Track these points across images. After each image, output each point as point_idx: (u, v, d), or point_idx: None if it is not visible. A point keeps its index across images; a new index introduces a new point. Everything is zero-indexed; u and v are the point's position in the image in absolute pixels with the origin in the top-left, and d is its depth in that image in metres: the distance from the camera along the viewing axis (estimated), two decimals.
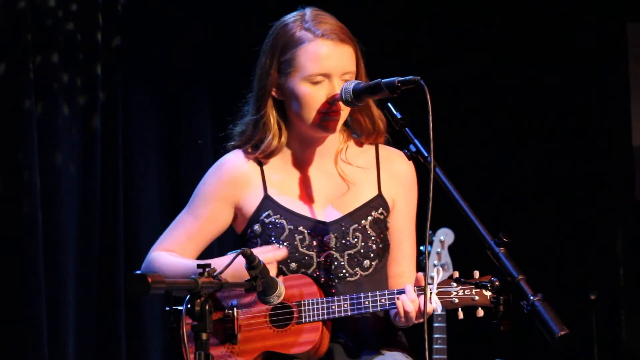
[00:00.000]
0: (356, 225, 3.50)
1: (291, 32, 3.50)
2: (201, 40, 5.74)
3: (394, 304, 3.32)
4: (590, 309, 6.42)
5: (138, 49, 5.51)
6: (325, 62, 3.45)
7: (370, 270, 3.51)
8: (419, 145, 3.19)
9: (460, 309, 3.26)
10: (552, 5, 6.54)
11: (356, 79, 3.48)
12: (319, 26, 3.48)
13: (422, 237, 3.55)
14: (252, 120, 3.56)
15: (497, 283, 3.05)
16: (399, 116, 3.25)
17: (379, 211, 3.54)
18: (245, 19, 5.74)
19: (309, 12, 3.52)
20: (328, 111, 3.45)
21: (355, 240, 3.49)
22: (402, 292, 3.33)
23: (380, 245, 3.52)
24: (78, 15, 5.27)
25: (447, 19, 6.52)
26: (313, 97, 3.45)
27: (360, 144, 3.60)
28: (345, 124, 3.59)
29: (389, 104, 3.28)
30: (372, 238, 3.51)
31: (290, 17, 3.53)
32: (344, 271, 3.48)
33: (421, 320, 3.28)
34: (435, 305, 3.27)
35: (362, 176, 3.57)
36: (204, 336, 2.91)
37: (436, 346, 5.19)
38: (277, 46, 3.51)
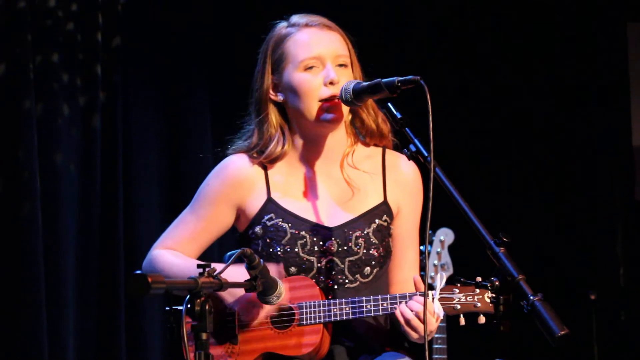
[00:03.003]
0: (359, 231, 3.50)
1: (279, 32, 3.55)
2: (201, 40, 5.74)
3: (395, 308, 3.32)
4: (590, 309, 6.42)
5: (138, 49, 5.51)
6: (315, 45, 3.47)
7: (371, 277, 3.50)
8: (419, 145, 3.19)
9: (462, 315, 3.25)
10: (552, 5, 6.54)
11: (352, 70, 3.49)
12: (303, 18, 3.54)
13: (422, 237, 3.55)
14: (254, 125, 3.56)
15: (497, 283, 3.05)
16: (398, 116, 3.25)
17: (383, 218, 3.53)
18: (246, 19, 5.74)
19: (293, 15, 3.58)
20: (328, 98, 3.44)
21: (358, 247, 3.49)
22: (403, 297, 3.32)
23: (382, 253, 3.51)
24: (78, 15, 5.27)
25: (447, 19, 6.52)
26: (310, 83, 3.44)
27: (366, 145, 3.60)
28: (353, 127, 3.58)
29: (389, 104, 3.28)
30: (375, 245, 3.50)
31: (278, 23, 3.59)
32: (344, 277, 3.48)
33: (432, 328, 3.30)
34: (438, 310, 3.27)
35: (367, 182, 3.55)
36: (204, 336, 2.91)
37: (436, 346, 5.19)
38: (268, 49, 3.55)
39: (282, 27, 3.55)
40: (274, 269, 3.37)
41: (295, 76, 3.48)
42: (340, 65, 3.48)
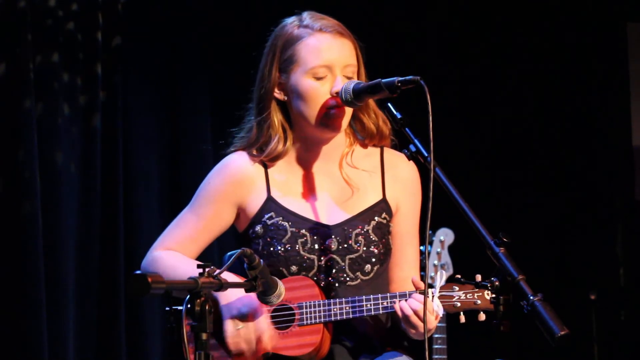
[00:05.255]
0: (359, 229, 3.50)
1: (290, 31, 3.51)
2: (201, 40, 5.74)
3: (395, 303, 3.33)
4: (590, 309, 6.42)
5: (138, 49, 5.51)
6: (326, 53, 3.45)
7: (371, 275, 3.50)
8: (419, 145, 3.19)
9: (462, 312, 3.26)
10: (552, 5, 6.54)
11: (357, 76, 3.49)
12: (317, 22, 3.50)
13: (422, 237, 3.55)
14: (255, 123, 3.55)
15: (497, 283, 3.05)
16: (398, 116, 3.25)
17: (382, 216, 3.53)
18: (246, 18, 5.74)
19: (305, 13, 3.55)
20: (332, 107, 3.44)
21: (358, 244, 3.49)
22: (403, 295, 3.32)
23: (382, 250, 3.51)
24: (78, 15, 5.27)
25: (447, 19, 6.52)
26: (317, 91, 3.44)
27: (365, 145, 3.60)
28: (351, 127, 3.58)
29: (389, 104, 3.28)
30: (375, 243, 3.50)
31: (288, 20, 3.56)
32: (345, 275, 3.48)
33: (431, 326, 3.29)
34: (437, 308, 3.27)
35: (366, 180, 3.56)
36: (204, 336, 2.91)
37: (436, 346, 5.19)
38: (277, 46, 3.52)
39: (293, 25, 3.52)
40: None
41: (303, 81, 3.46)
42: (351, 72, 3.47)
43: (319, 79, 3.44)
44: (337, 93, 3.42)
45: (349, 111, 3.47)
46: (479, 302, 3.25)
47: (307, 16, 3.53)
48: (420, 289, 3.29)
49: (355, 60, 3.50)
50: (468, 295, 3.26)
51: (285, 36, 3.51)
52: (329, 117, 3.44)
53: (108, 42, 5.37)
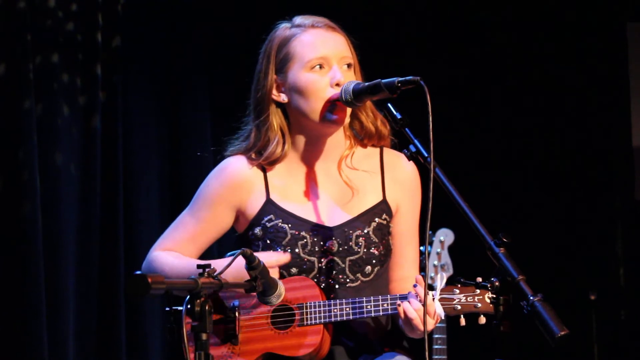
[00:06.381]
0: (360, 231, 3.50)
1: (283, 33, 3.53)
2: (201, 40, 5.74)
3: (396, 309, 3.32)
4: (590, 309, 6.42)
5: (138, 49, 5.51)
6: (321, 46, 3.46)
7: (372, 276, 3.50)
8: (419, 145, 3.19)
9: (462, 315, 3.25)
10: (552, 5, 6.54)
11: (353, 72, 3.49)
12: (308, 20, 3.53)
13: (422, 238, 3.55)
14: (254, 126, 3.55)
15: (497, 283, 3.05)
16: (398, 116, 3.25)
17: (383, 217, 3.53)
18: (246, 19, 5.74)
19: (296, 16, 3.58)
20: (333, 100, 3.43)
21: (358, 246, 3.48)
22: (404, 297, 3.32)
23: (383, 252, 3.51)
24: (78, 15, 5.28)
25: (447, 18, 6.52)
26: (316, 84, 3.43)
27: (364, 146, 3.59)
28: (351, 128, 3.57)
29: (389, 104, 3.27)
30: (375, 244, 3.50)
31: (280, 25, 3.58)
32: (345, 277, 3.48)
33: (429, 328, 3.29)
34: (439, 311, 3.26)
35: (366, 181, 3.55)
36: (204, 336, 2.90)
37: (436, 346, 5.19)
38: (272, 49, 3.53)
39: (285, 27, 3.54)
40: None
41: (301, 76, 3.47)
42: (347, 65, 3.47)
43: (317, 71, 3.44)
44: (337, 84, 3.42)
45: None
46: (479, 305, 3.24)
47: (297, 17, 3.56)
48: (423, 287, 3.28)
49: (350, 53, 3.50)
50: (468, 298, 3.25)
51: (278, 38, 3.53)
52: (330, 110, 3.44)
53: (108, 42, 5.37)
